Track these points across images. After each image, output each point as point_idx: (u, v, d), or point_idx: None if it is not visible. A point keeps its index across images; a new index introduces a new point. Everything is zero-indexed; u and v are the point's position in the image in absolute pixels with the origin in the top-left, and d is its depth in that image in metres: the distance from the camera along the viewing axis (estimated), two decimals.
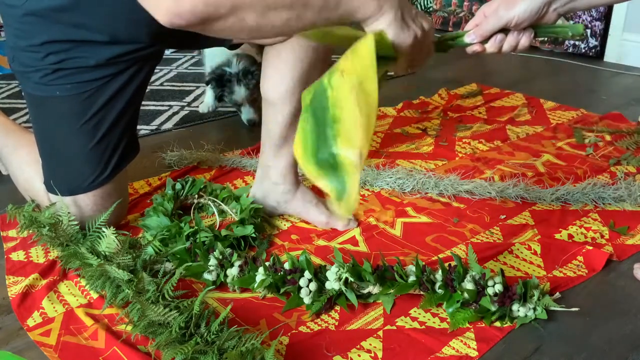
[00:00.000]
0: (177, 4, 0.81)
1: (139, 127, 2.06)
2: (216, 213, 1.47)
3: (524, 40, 1.06)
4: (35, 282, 1.24)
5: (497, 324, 1.12)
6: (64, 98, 1.27)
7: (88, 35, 1.22)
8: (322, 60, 1.33)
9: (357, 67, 0.86)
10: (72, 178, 1.33)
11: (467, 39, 1.07)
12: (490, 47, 1.07)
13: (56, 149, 1.33)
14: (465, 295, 1.12)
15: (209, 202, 1.50)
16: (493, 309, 1.11)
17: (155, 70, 2.67)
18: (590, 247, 1.32)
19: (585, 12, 2.82)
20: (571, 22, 1.12)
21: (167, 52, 2.90)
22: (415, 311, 1.16)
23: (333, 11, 0.89)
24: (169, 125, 2.12)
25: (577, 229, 1.42)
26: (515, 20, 1.03)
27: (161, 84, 2.55)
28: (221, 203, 1.49)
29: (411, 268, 1.20)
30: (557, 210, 1.52)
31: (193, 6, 0.81)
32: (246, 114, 2.07)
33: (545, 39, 3.00)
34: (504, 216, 1.49)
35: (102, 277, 1.17)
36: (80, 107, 1.28)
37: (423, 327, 1.12)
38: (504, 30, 1.05)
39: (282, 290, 1.19)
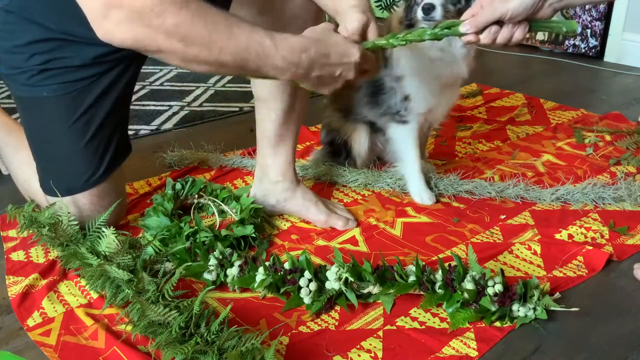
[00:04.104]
0: (111, 33, 0.96)
1: (139, 127, 2.08)
2: (216, 213, 1.47)
3: (518, 33, 1.06)
4: (35, 282, 1.23)
5: (497, 324, 1.11)
6: (52, 99, 1.27)
7: (69, 35, 1.22)
8: None
9: None
10: (68, 178, 1.33)
11: (462, 28, 1.08)
12: (485, 38, 1.07)
13: (49, 150, 1.33)
14: (465, 295, 1.12)
15: (209, 202, 1.50)
16: (493, 309, 1.11)
17: (155, 70, 2.69)
18: (590, 247, 1.32)
19: (585, 12, 2.83)
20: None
21: None
22: (415, 311, 1.16)
23: (251, 74, 1.05)
24: (169, 125, 2.12)
25: (577, 229, 1.42)
26: (510, 13, 1.03)
27: (161, 84, 2.55)
28: (221, 203, 1.49)
29: (411, 268, 1.20)
30: (557, 210, 1.52)
31: (123, 39, 0.96)
32: None
33: (545, 38, 3.00)
34: (504, 216, 1.49)
35: (102, 277, 1.17)
36: (68, 107, 1.28)
37: (423, 327, 1.12)
38: (499, 22, 1.05)
39: (282, 290, 1.18)
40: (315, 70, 1.05)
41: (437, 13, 1.32)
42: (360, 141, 1.65)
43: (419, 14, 1.34)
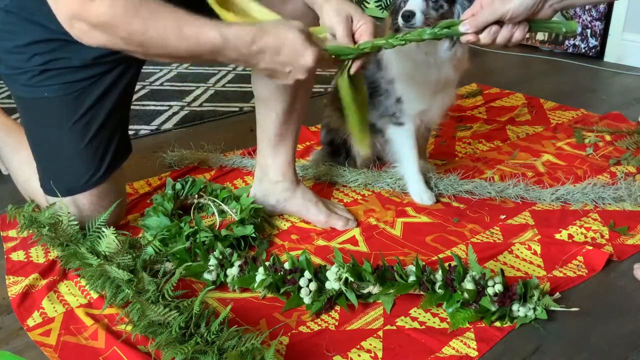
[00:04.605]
0: (80, 39, 1.04)
1: (139, 127, 2.08)
2: (216, 213, 1.47)
3: (518, 33, 1.06)
4: (35, 282, 1.24)
5: (497, 324, 1.12)
6: (53, 99, 1.27)
7: (69, 36, 1.21)
8: None
9: None
10: (68, 178, 1.33)
11: (461, 28, 1.08)
12: (484, 38, 1.07)
13: (49, 150, 1.33)
14: (465, 295, 1.12)
15: (209, 202, 1.50)
16: (493, 309, 1.11)
17: (155, 70, 2.69)
18: (590, 247, 1.32)
19: (585, 12, 2.83)
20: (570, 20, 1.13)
21: None
22: (415, 311, 1.16)
23: (211, 62, 1.09)
24: (169, 125, 2.12)
25: (577, 229, 1.42)
26: (510, 13, 1.03)
27: (161, 84, 2.55)
28: (221, 203, 1.49)
29: (411, 268, 1.20)
30: (557, 210, 1.52)
31: (91, 44, 1.05)
32: None
33: (545, 38, 3.00)
34: (504, 216, 1.49)
35: (102, 277, 1.17)
36: (69, 107, 1.28)
37: (423, 327, 1.12)
38: (499, 22, 1.05)
39: (282, 290, 1.18)
40: (265, 61, 1.05)
41: (417, 20, 1.31)
42: None
43: (399, 21, 1.33)
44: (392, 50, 1.39)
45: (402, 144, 1.57)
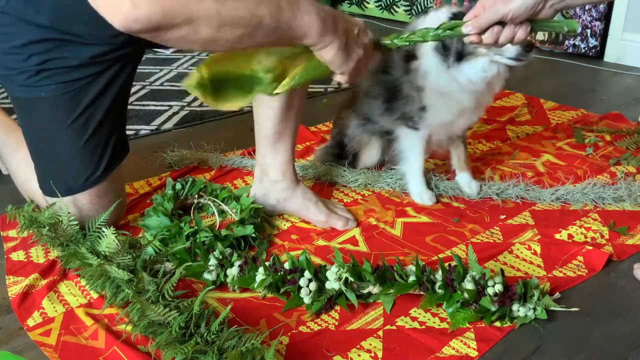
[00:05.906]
0: (135, 9, 0.86)
1: (139, 127, 2.08)
2: (216, 213, 1.47)
3: (520, 33, 1.07)
4: (35, 282, 1.23)
5: (497, 324, 1.12)
6: (50, 99, 1.27)
7: (66, 35, 1.22)
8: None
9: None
10: (67, 178, 1.33)
11: (464, 29, 1.08)
12: (487, 38, 1.08)
13: (47, 150, 1.33)
14: (465, 295, 1.12)
15: (209, 202, 1.50)
16: (493, 309, 1.11)
17: (155, 70, 2.69)
18: (590, 247, 1.32)
19: (585, 12, 2.83)
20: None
21: (167, 52, 2.90)
22: (415, 311, 1.16)
23: (282, 35, 0.99)
24: (169, 125, 2.12)
25: (577, 229, 1.42)
26: (511, 14, 1.04)
27: (161, 84, 2.55)
28: (221, 203, 1.49)
29: (411, 268, 1.20)
30: (557, 210, 1.52)
31: (151, 12, 0.86)
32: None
33: (545, 38, 3.00)
34: (504, 216, 1.49)
35: (102, 277, 1.17)
36: (66, 106, 1.28)
37: (423, 327, 1.12)
38: (501, 23, 1.06)
39: (282, 290, 1.18)
40: (340, 22, 1.03)
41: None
42: (371, 156, 1.67)
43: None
44: (433, 60, 1.39)
45: (411, 145, 1.56)
